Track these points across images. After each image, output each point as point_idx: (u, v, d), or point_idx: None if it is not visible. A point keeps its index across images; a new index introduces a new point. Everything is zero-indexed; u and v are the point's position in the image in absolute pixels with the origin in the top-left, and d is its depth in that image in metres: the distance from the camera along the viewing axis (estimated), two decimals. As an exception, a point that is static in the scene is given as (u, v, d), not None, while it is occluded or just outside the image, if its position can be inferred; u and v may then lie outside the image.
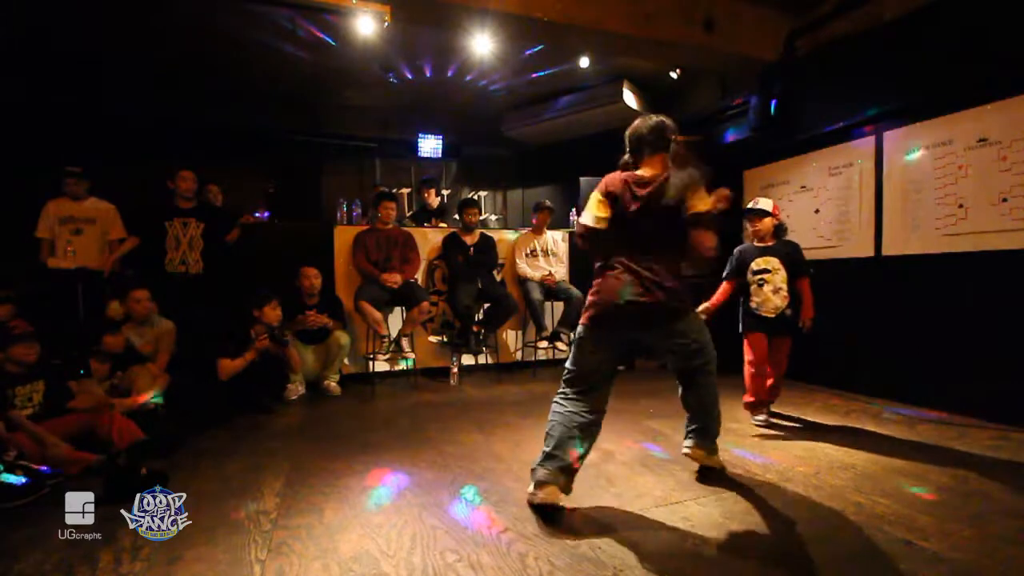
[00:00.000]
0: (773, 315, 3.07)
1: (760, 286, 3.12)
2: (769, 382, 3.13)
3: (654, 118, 2.12)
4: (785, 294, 3.07)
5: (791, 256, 3.11)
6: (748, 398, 3.13)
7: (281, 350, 3.58)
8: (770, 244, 3.16)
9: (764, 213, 3.15)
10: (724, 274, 3.26)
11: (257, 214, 5.18)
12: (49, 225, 3.68)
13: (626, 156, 2.17)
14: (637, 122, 2.16)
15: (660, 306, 1.98)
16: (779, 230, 3.17)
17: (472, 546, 1.71)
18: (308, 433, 3.04)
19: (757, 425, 3.11)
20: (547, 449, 1.98)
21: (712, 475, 2.28)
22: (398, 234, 4.41)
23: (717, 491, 2.13)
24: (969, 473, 2.31)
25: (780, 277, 3.08)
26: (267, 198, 5.85)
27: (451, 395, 4.01)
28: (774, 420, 3.19)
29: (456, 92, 5.92)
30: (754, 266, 3.14)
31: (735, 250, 3.27)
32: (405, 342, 4.28)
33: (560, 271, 4.87)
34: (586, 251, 2.15)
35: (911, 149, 3.58)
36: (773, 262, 3.10)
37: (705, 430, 2.23)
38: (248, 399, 3.42)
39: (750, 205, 3.23)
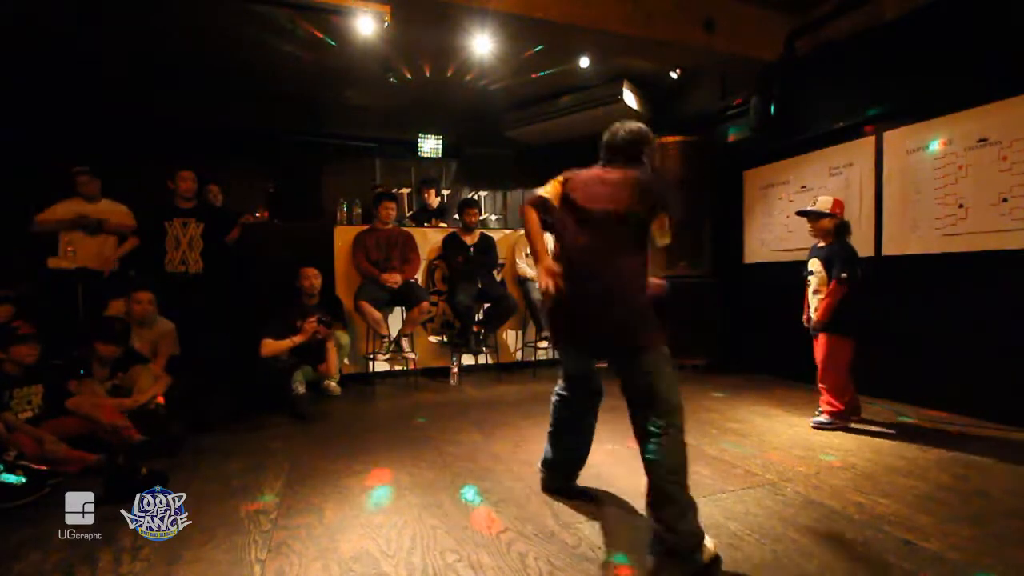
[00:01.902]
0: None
1: (808, 287, 3.11)
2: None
3: (634, 124, 1.95)
4: (822, 297, 2.99)
5: (828, 258, 2.98)
6: None
7: (329, 333, 3.71)
8: (823, 244, 3.05)
9: (815, 216, 3.04)
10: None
11: (257, 214, 5.18)
12: (56, 221, 3.63)
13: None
14: (615, 125, 1.97)
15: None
16: (838, 229, 3.00)
17: (472, 546, 1.71)
18: (308, 433, 3.04)
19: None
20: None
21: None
22: (398, 234, 4.41)
23: (717, 491, 2.13)
24: (969, 473, 2.31)
25: (819, 279, 3.02)
26: (267, 198, 5.85)
27: (451, 395, 4.01)
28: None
29: (456, 92, 5.91)
30: (809, 266, 3.11)
31: None
32: (405, 342, 4.29)
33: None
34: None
35: (922, 146, 3.52)
36: (815, 263, 3.04)
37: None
38: (283, 402, 3.46)
39: (808, 206, 3.11)
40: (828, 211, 3.00)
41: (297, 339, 3.54)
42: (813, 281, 3.06)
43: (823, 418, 3.02)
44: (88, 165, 3.77)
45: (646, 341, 1.72)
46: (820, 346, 3.03)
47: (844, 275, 2.90)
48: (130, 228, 3.81)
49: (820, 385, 3.04)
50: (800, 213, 3.16)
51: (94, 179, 3.75)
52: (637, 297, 1.79)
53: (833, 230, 3.00)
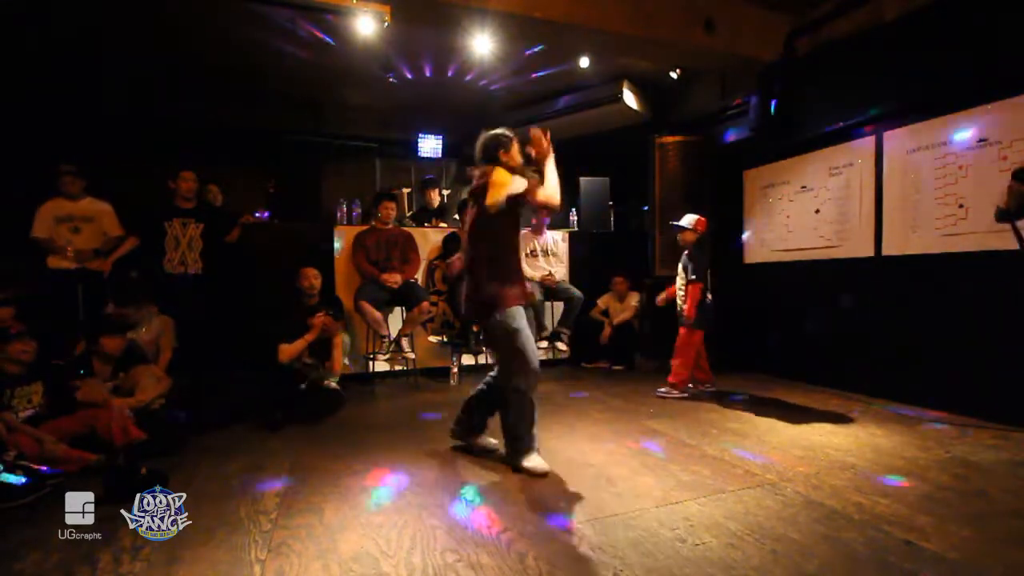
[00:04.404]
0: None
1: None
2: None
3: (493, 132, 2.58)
4: (683, 295, 3.76)
5: (686, 264, 3.76)
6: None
7: (338, 326, 3.70)
8: (687, 252, 3.82)
9: (680, 228, 3.80)
10: None
11: (257, 214, 5.18)
12: (46, 225, 3.63)
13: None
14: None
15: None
16: (698, 242, 3.74)
17: (472, 546, 1.71)
18: (308, 433, 3.04)
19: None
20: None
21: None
22: (398, 234, 4.41)
23: (717, 491, 2.13)
24: (969, 473, 2.31)
25: (682, 280, 3.80)
26: (267, 198, 5.84)
27: (451, 395, 4.01)
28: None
29: (456, 92, 5.91)
30: (679, 268, 3.86)
31: None
32: (405, 342, 4.28)
33: (560, 271, 4.87)
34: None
35: (922, 146, 3.54)
36: (681, 267, 3.82)
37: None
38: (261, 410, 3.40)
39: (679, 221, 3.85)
40: (691, 227, 3.73)
41: (310, 337, 3.48)
42: (679, 281, 3.80)
43: (664, 389, 3.78)
44: (76, 163, 3.71)
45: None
46: (680, 334, 3.76)
47: (693, 276, 3.68)
48: (116, 239, 3.78)
49: (672, 362, 3.76)
50: (671, 224, 3.90)
51: (78, 179, 3.69)
52: None
53: (694, 242, 3.74)
